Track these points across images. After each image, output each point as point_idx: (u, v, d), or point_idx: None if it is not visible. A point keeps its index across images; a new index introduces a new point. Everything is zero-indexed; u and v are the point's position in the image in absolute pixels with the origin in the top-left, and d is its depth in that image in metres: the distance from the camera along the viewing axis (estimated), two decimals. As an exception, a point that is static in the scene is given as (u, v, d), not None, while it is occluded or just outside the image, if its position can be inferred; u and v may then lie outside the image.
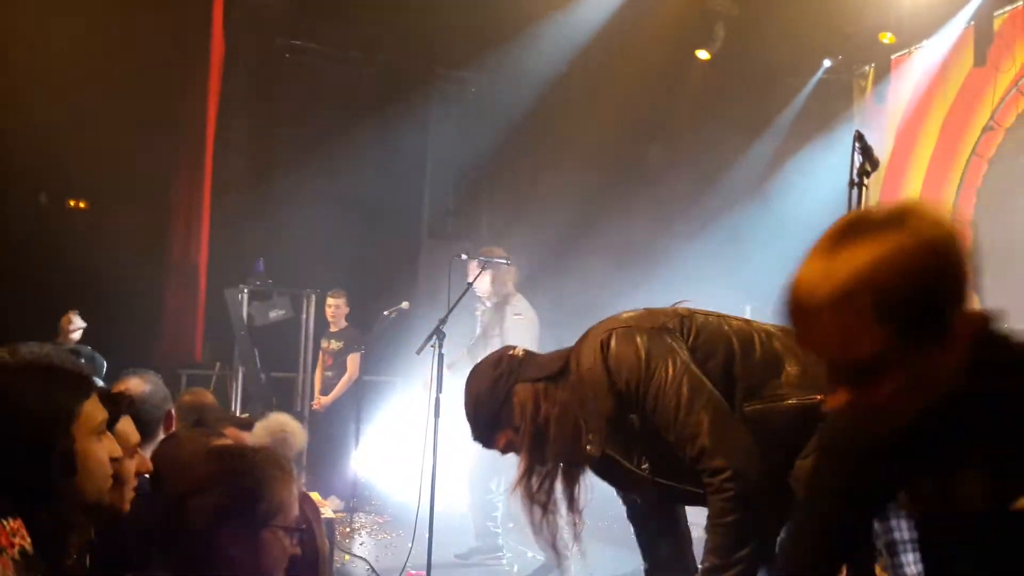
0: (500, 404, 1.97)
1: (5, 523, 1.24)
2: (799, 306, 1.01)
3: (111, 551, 1.62)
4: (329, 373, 6.28)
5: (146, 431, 2.01)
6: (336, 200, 7.44)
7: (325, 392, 6.23)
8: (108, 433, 1.55)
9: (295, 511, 1.62)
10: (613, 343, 1.88)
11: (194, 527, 1.53)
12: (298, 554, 1.61)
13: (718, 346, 1.90)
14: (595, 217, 7.17)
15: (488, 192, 8.29)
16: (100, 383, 2.80)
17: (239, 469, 1.59)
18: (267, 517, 1.57)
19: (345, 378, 6.24)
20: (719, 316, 2.00)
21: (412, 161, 8.24)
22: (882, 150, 7.05)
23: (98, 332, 5.42)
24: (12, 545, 1.27)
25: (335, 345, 6.35)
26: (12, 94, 6.06)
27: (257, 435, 3.19)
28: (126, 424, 1.70)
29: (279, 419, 3.38)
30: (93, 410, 1.52)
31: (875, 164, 1.95)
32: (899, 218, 1.00)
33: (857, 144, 1.91)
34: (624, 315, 1.99)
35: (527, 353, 2.06)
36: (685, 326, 1.93)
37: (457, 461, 4.90)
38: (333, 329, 6.43)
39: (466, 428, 2.14)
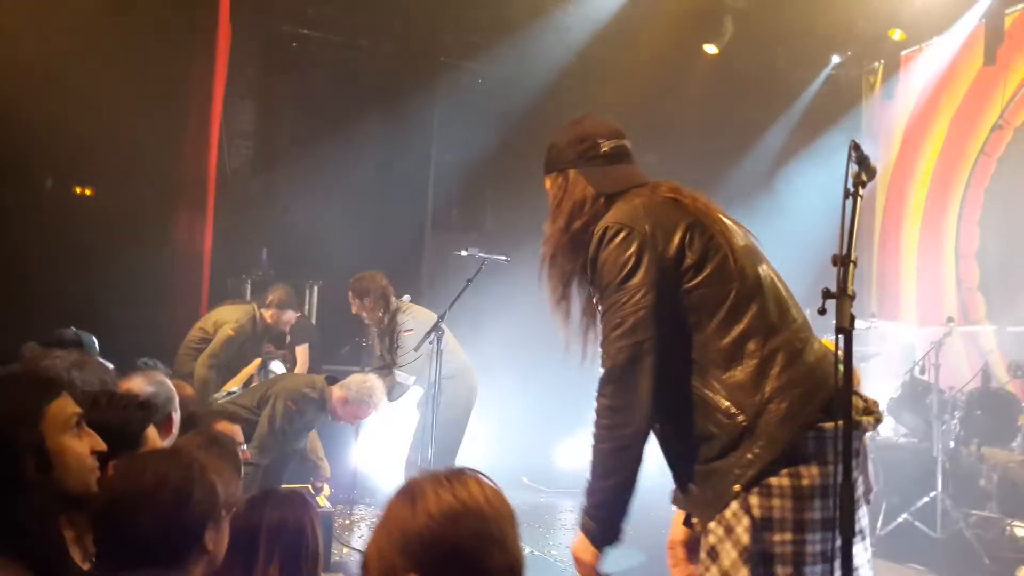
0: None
1: None
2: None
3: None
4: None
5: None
6: (340, 190, 7.42)
7: None
8: (87, 429, 1.62)
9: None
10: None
11: (187, 535, 1.60)
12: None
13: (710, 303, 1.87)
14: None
15: (493, 184, 8.22)
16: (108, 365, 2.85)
17: (206, 480, 1.64)
18: (225, 508, 1.67)
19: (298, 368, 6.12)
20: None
21: (417, 152, 8.19)
22: (890, 147, 7.00)
23: (104, 318, 5.37)
24: None
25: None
26: (18, 79, 6.02)
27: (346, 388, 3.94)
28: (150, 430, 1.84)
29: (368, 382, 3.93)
30: (62, 408, 1.59)
31: (872, 173, 1.89)
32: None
33: (853, 153, 1.83)
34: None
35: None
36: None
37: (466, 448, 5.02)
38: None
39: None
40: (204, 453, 1.79)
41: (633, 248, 1.80)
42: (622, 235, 1.82)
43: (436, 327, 4.26)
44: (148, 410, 1.97)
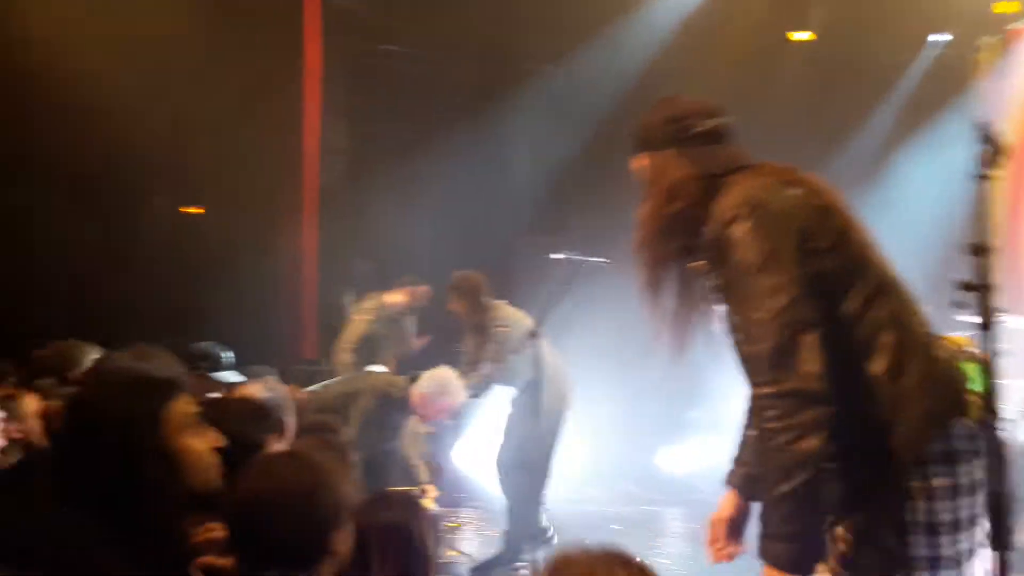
0: None
1: None
2: None
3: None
4: None
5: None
6: (431, 200, 7.57)
7: None
8: (206, 425, 1.65)
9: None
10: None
11: (314, 539, 1.64)
12: None
13: None
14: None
15: (580, 188, 8.22)
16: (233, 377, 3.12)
17: (330, 485, 1.68)
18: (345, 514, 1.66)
19: None
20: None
21: (502, 158, 8.32)
22: (1004, 130, 6.63)
23: (215, 328, 5.51)
24: None
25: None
26: (131, 105, 6.37)
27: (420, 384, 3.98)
28: None
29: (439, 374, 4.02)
30: (182, 407, 1.60)
31: (1005, 153, 1.77)
32: None
33: (982, 134, 1.75)
34: None
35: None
36: None
37: (562, 456, 4.94)
38: None
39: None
40: (321, 456, 1.80)
41: (771, 229, 1.69)
42: (758, 216, 1.70)
43: (531, 331, 4.16)
44: (265, 417, 2.09)
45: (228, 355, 3.88)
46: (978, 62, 7.02)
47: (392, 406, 4.26)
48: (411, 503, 2.11)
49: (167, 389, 1.61)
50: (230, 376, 3.74)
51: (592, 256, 4.43)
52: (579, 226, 8.65)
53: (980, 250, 1.64)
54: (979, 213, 1.68)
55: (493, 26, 7.67)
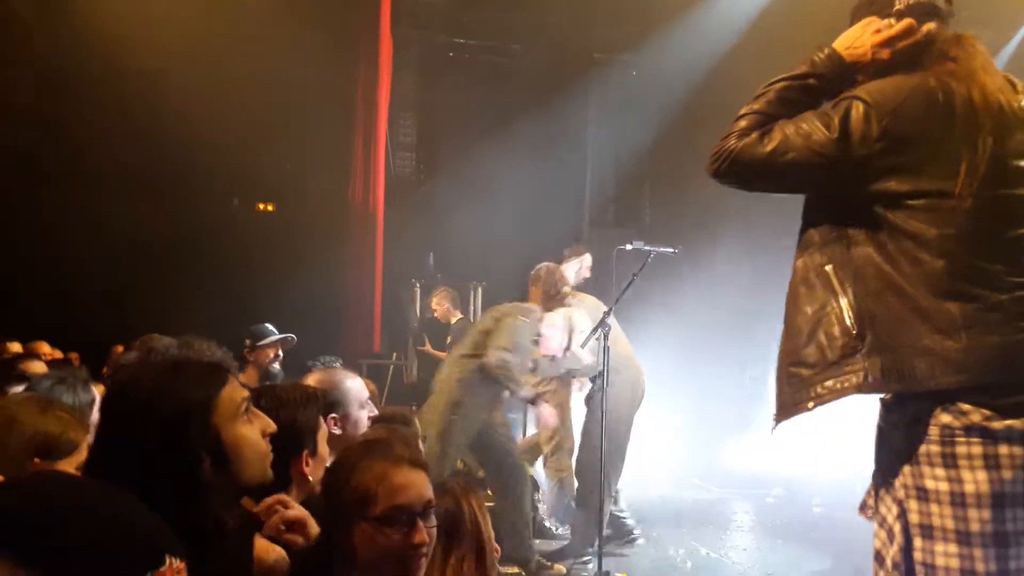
0: None
1: (172, 561, 1.23)
2: None
3: None
4: None
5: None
6: (499, 193, 7.57)
7: None
8: (255, 410, 1.52)
9: (397, 498, 1.55)
10: None
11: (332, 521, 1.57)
12: (423, 541, 1.55)
13: None
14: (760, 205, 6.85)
15: (651, 179, 8.16)
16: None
17: (341, 465, 1.61)
18: (358, 508, 1.54)
19: None
20: None
21: (573, 150, 8.22)
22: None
23: (287, 326, 5.54)
24: None
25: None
26: (207, 108, 6.54)
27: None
28: None
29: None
30: (231, 395, 1.49)
31: None
32: None
33: None
34: None
35: None
36: None
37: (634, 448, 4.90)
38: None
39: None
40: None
41: None
42: None
43: (603, 322, 4.16)
44: (313, 402, 1.97)
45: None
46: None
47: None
48: (464, 490, 2.04)
49: (216, 375, 1.51)
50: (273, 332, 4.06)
51: (661, 247, 4.47)
52: (651, 218, 8.55)
53: None
54: None
55: (563, 16, 7.60)
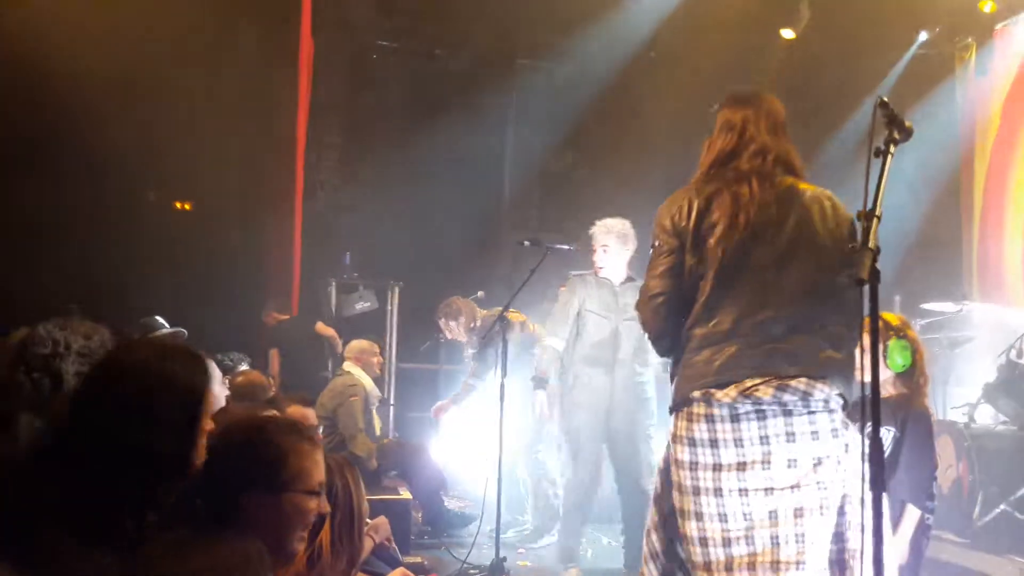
0: None
1: None
2: None
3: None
4: None
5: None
6: (419, 195, 7.64)
7: None
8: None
9: (318, 476, 1.73)
10: None
11: (221, 492, 1.63)
12: (326, 511, 1.77)
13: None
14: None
15: (570, 183, 8.30)
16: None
17: (260, 440, 1.69)
18: (288, 484, 1.67)
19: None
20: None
21: (494, 154, 8.39)
22: (987, 124, 6.70)
23: (204, 324, 5.66)
24: None
25: None
26: (125, 101, 6.54)
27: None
28: None
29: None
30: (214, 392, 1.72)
31: (905, 133, 1.94)
32: None
33: (880, 112, 1.92)
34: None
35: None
36: None
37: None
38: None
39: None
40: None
41: None
42: None
43: (500, 318, 4.26)
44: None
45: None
46: (963, 59, 7.08)
47: None
48: (339, 465, 2.20)
49: (203, 367, 1.67)
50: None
51: (559, 243, 4.65)
52: (573, 221, 8.70)
53: (867, 216, 1.82)
54: (872, 183, 1.85)
55: (486, 23, 7.76)
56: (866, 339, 1.78)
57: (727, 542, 2.19)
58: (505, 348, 4.16)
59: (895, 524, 2.70)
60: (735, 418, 2.21)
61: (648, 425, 4.40)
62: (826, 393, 2.20)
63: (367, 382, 5.19)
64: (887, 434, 2.82)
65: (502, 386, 4.09)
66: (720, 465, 2.21)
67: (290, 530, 1.68)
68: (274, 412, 2.67)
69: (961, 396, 5.26)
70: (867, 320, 1.75)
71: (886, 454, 2.67)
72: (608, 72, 7.57)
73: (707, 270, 2.28)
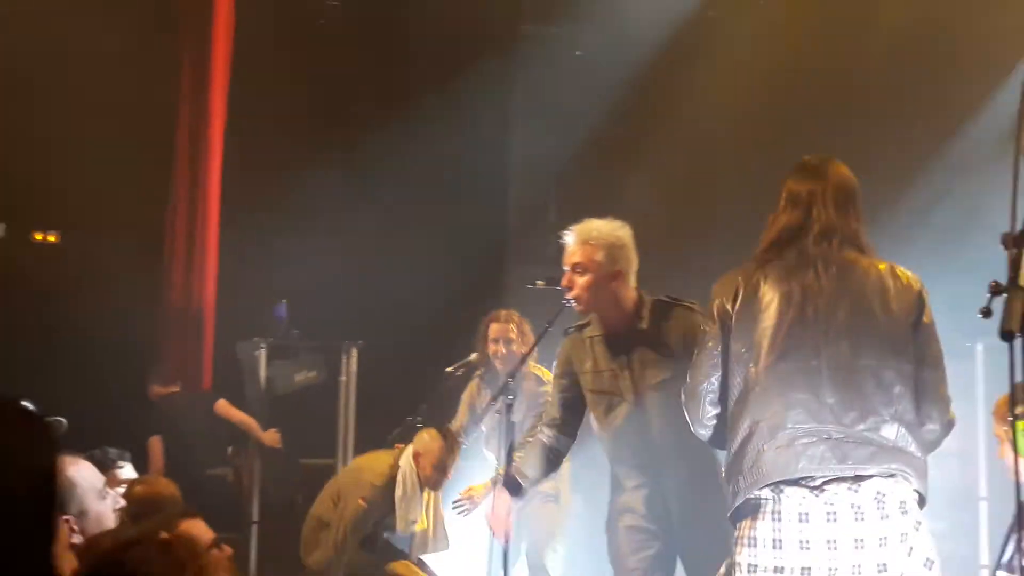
0: None
1: None
2: None
3: None
4: None
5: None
6: (384, 218, 7.30)
7: None
8: None
9: None
10: None
11: None
12: None
13: None
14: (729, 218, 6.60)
15: (592, 186, 7.50)
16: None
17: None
18: None
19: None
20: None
21: (489, 152, 7.78)
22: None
23: (75, 396, 5.44)
24: None
25: None
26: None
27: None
28: None
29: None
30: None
31: None
32: None
33: None
34: None
35: None
36: None
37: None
38: None
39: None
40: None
41: None
42: None
43: (505, 387, 3.86)
44: None
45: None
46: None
47: None
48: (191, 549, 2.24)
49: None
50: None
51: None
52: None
53: (1014, 241, 1.79)
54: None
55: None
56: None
57: None
58: (511, 432, 3.81)
59: None
60: (803, 518, 2.62)
61: None
62: (902, 494, 2.63)
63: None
64: None
65: (508, 475, 3.76)
66: (783, 568, 2.61)
67: None
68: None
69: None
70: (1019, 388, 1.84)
71: None
72: (650, 37, 7.00)
73: (756, 357, 2.71)
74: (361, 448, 6.76)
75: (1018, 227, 1.77)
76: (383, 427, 6.52)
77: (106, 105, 6.83)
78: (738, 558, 2.65)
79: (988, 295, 1.77)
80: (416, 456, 5.28)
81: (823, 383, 2.62)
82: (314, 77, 7.57)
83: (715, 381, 2.75)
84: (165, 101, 7.11)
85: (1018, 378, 1.75)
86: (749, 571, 2.61)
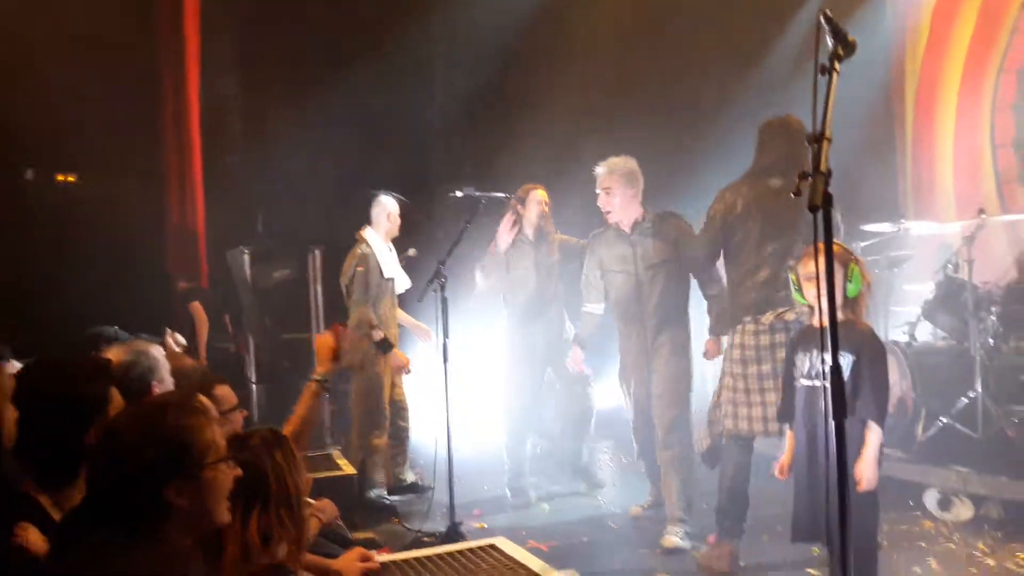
0: None
1: None
2: None
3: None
4: None
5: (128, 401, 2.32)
6: (334, 146, 7.89)
7: None
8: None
9: (222, 441, 1.94)
10: None
11: (141, 491, 1.80)
12: (239, 474, 1.96)
13: None
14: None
15: (505, 125, 8.24)
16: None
17: (163, 430, 1.84)
18: (202, 462, 1.86)
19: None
20: None
21: (417, 95, 8.59)
22: (917, 35, 7.31)
23: (104, 306, 5.88)
24: None
25: None
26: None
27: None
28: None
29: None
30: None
31: (850, 47, 2.08)
32: None
33: (826, 26, 2.05)
34: None
35: None
36: None
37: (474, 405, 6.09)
38: None
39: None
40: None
41: None
42: None
43: (437, 275, 4.66)
44: (101, 373, 2.33)
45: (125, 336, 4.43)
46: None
47: None
48: (267, 443, 2.39)
49: (108, 373, 2.25)
50: None
51: (493, 192, 5.22)
52: (509, 164, 8.95)
53: (816, 139, 1.97)
54: (820, 105, 1.98)
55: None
56: (820, 264, 1.96)
57: None
58: (445, 308, 4.63)
59: (858, 445, 3.20)
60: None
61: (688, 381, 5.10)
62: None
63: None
64: (844, 360, 3.14)
65: (445, 347, 4.62)
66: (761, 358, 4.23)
67: (216, 503, 1.90)
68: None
69: (901, 315, 5.90)
70: (820, 245, 1.96)
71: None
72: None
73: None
74: (328, 324, 6.93)
75: (818, 129, 1.90)
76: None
77: (110, 66, 7.16)
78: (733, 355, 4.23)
79: (796, 180, 1.92)
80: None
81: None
82: (278, 39, 8.10)
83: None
84: (153, 60, 7.64)
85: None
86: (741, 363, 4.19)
